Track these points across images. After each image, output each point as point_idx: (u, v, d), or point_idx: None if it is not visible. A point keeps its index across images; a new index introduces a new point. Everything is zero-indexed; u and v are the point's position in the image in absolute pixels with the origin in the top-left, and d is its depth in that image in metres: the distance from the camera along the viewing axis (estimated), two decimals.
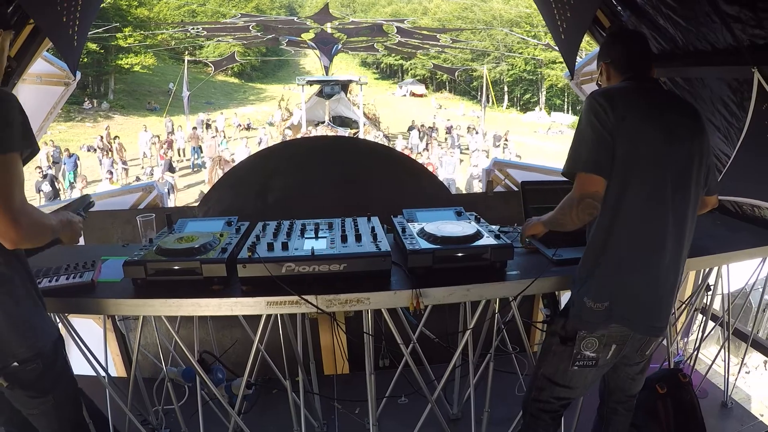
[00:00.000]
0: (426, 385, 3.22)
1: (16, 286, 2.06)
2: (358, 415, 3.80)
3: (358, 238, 2.74)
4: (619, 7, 4.25)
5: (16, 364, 2.05)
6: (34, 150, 2.00)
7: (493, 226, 3.11)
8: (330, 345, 4.71)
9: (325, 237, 2.81)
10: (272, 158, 5.36)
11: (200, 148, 26.32)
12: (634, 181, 2.42)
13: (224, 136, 28.86)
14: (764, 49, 3.10)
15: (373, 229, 2.91)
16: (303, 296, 2.47)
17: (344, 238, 2.76)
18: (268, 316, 2.83)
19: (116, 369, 4.62)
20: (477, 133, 32.12)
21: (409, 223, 3.08)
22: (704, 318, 4.12)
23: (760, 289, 4.32)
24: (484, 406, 3.45)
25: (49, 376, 2.17)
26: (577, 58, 4.98)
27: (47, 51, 4.59)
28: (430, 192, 5.13)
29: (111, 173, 20.34)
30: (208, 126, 32.31)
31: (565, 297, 4.25)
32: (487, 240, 2.81)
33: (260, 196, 4.77)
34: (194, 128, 28.85)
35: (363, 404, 3.46)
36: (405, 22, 31.64)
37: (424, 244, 2.73)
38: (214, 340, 3.96)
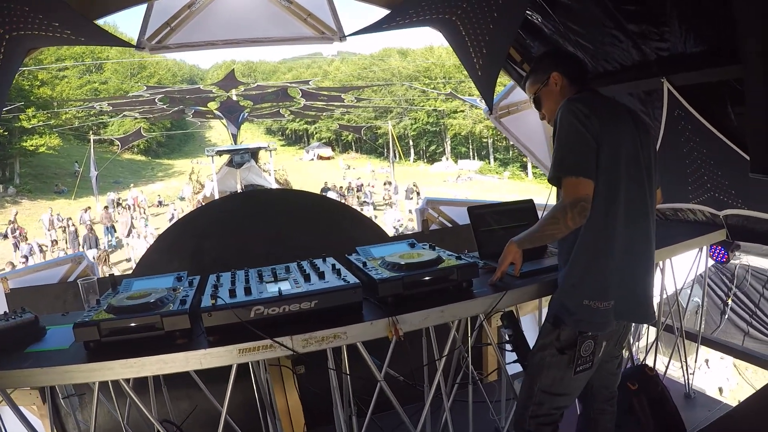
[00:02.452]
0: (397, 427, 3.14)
1: None
2: None
3: (322, 275, 2.66)
4: (528, 40, 4.36)
5: None
6: None
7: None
8: (284, 406, 4.52)
9: (286, 279, 2.70)
10: (200, 219, 5.21)
11: (113, 227, 25.56)
12: (619, 181, 2.57)
13: (145, 213, 28.43)
14: (669, 60, 3.30)
15: (333, 266, 2.83)
16: (276, 339, 2.34)
17: (307, 278, 2.64)
18: (236, 374, 2.63)
19: None
20: (390, 185, 32.68)
21: (366, 258, 3.02)
22: (662, 323, 4.25)
23: (689, 290, 4.54)
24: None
25: None
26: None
27: None
28: (369, 235, 5.07)
29: (26, 258, 19.62)
30: (119, 204, 31.49)
31: (526, 318, 4.25)
32: (451, 261, 2.80)
33: (196, 256, 4.60)
34: (105, 207, 28.03)
35: None
36: (310, 83, 31.90)
37: (391, 273, 2.68)
38: (170, 407, 3.72)
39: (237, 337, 2.35)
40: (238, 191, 27.51)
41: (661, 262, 3.87)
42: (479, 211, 3.43)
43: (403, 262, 2.75)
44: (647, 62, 3.47)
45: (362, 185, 34.90)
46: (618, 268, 2.61)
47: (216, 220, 4.91)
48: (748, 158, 3.20)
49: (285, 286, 2.55)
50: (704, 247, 4.11)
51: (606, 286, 2.60)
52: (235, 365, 2.47)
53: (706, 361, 10.16)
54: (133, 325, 2.37)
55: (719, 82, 3.17)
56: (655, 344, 4.25)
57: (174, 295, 2.61)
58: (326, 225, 4.95)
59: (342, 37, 5.00)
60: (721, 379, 10.34)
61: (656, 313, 2.90)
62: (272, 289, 2.54)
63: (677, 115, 3.60)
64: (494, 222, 3.42)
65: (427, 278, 2.69)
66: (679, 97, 3.47)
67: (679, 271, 4.15)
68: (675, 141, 3.75)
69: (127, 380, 2.45)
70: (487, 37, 4.10)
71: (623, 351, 3.06)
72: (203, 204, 26.63)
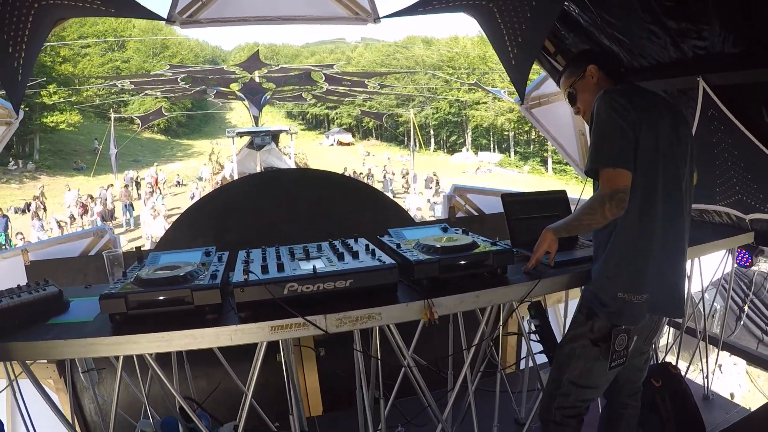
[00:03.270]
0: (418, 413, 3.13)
1: None
2: None
3: (356, 255, 2.61)
4: (563, 31, 4.27)
5: None
6: None
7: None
8: (302, 387, 4.49)
9: (318, 257, 2.64)
10: (225, 197, 5.17)
11: (132, 205, 25.72)
12: (657, 175, 2.53)
13: (160, 192, 28.64)
14: (706, 59, 3.26)
15: (367, 246, 2.76)
16: (308, 318, 2.28)
17: (341, 257, 2.59)
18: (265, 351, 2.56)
19: None
20: (407, 174, 32.68)
21: (399, 240, 2.96)
22: (682, 327, 4.22)
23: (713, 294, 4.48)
24: (492, 421, 3.40)
25: None
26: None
27: None
28: (395, 218, 5.01)
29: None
30: (137, 183, 31.69)
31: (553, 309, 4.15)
32: (486, 247, 2.74)
33: (218, 236, 4.56)
34: (125, 186, 28.21)
35: None
36: (334, 67, 31.84)
37: (426, 256, 2.61)
38: (192, 385, 3.68)
39: (269, 315, 2.30)
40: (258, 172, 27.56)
41: (689, 261, 3.77)
42: (512, 199, 3.40)
43: (438, 245, 2.68)
44: (684, 60, 3.43)
45: (386, 171, 34.99)
46: (653, 262, 2.58)
47: (237, 200, 4.86)
48: None
49: (319, 264, 2.49)
50: (734, 249, 4.03)
51: (641, 280, 2.57)
52: (265, 343, 2.43)
53: (719, 366, 10.08)
54: (161, 298, 2.30)
55: (755, 84, 3.14)
56: (679, 343, 4.22)
57: (204, 269, 2.55)
58: (350, 205, 4.89)
59: (376, 19, 4.92)
60: (733, 385, 10.27)
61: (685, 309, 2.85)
62: (306, 266, 2.47)
63: (711, 116, 3.55)
64: (527, 211, 3.37)
65: (463, 262, 2.63)
66: (714, 97, 3.42)
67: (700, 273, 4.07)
68: (707, 141, 3.69)
69: (151, 356, 2.40)
70: (523, 26, 4.03)
71: (651, 347, 3.05)
72: (222, 185, 26.78)
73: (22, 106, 3.98)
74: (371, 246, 2.75)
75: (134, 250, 2.98)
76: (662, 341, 4.98)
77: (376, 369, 2.89)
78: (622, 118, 2.45)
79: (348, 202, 4.91)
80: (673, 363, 3.81)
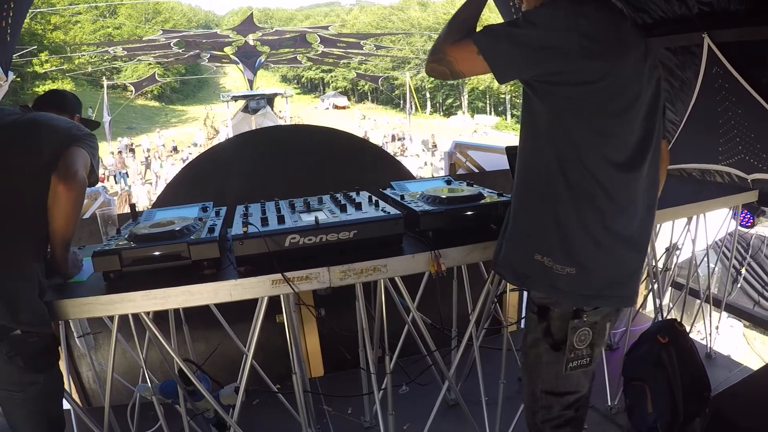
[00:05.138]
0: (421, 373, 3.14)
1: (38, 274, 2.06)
2: (352, 414, 3.56)
3: (359, 206, 2.51)
4: None
5: (18, 332, 1.95)
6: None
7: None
8: (303, 347, 4.42)
9: (320, 209, 2.55)
10: (224, 154, 5.05)
11: (126, 173, 25.48)
12: (620, 124, 1.85)
13: (158, 158, 28.52)
14: (711, 15, 3.19)
15: (370, 198, 2.67)
16: (310, 270, 2.21)
17: (343, 208, 2.50)
18: (262, 310, 2.43)
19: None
20: (402, 139, 32.57)
21: (403, 192, 2.87)
22: (685, 287, 4.23)
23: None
24: (497, 378, 3.27)
25: (44, 356, 2.04)
26: None
27: None
28: (395, 173, 4.89)
29: None
30: (132, 150, 31.43)
31: None
32: (493, 198, 2.65)
33: (217, 193, 4.45)
34: (119, 152, 27.97)
35: (356, 402, 3.36)
36: (329, 28, 31.54)
37: (431, 207, 2.52)
38: (191, 347, 3.60)
39: (269, 268, 2.21)
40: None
41: (695, 217, 3.70)
42: (516, 152, 3.28)
43: (444, 196, 2.60)
44: (689, 16, 3.33)
45: (395, 135, 34.98)
46: (595, 227, 1.89)
47: (241, 155, 4.75)
48: None
49: (321, 216, 2.40)
50: (738, 207, 3.91)
51: (568, 244, 1.91)
52: (266, 300, 2.34)
53: (716, 328, 10.16)
54: (157, 253, 2.22)
55: (761, 42, 3.07)
56: (683, 304, 4.24)
57: (201, 224, 2.45)
58: (349, 161, 4.77)
59: None
60: (730, 347, 10.31)
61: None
62: (307, 218, 2.39)
63: (715, 73, 3.47)
64: None
65: (469, 213, 2.55)
66: (719, 55, 3.34)
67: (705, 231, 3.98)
68: (710, 99, 3.61)
69: (148, 315, 2.30)
70: None
71: None
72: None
73: (14, 77, 3.86)
74: (374, 198, 2.67)
75: (129, 207, 2.88)
76: (665, 300, 4.94)
77: (381, 327, 2.81)
78: (568, 30, 1.70)
79: (347, 158, 4.80)
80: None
